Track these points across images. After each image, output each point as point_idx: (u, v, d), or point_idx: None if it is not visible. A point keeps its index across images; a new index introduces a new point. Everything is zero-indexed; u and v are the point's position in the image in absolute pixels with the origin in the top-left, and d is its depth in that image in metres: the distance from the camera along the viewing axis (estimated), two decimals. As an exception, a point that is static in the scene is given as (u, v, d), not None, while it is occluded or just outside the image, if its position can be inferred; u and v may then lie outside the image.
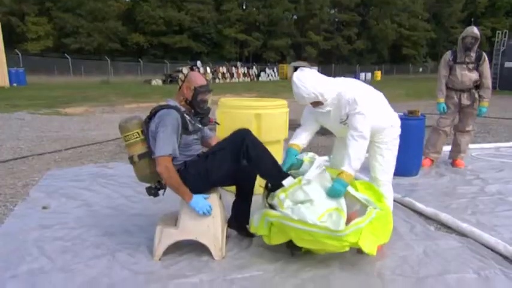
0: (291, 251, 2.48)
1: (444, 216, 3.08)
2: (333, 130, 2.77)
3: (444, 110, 4.65)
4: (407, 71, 49.01)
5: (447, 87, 4.63)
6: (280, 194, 2.38)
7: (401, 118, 4.23)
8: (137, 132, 2.43)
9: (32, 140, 6.46)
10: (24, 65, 23.67)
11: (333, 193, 2.35)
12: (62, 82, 24.01)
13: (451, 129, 4.87)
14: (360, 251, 2.62)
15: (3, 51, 18.87)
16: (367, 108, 2.42)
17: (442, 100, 4.63)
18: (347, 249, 2.26)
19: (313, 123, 2.76)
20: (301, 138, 2.74)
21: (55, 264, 2.38)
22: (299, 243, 2.32)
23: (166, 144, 2.30)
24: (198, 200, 2.38)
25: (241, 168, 2.46)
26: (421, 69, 52.37)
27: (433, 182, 4.23)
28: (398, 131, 2.74)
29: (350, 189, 2.42)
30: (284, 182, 2.40)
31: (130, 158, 2.46)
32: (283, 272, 2.33)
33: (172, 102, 2.51)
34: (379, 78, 38.04)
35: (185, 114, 2.48)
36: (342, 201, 2.35)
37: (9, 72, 19.45)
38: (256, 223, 2.47)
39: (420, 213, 3.28)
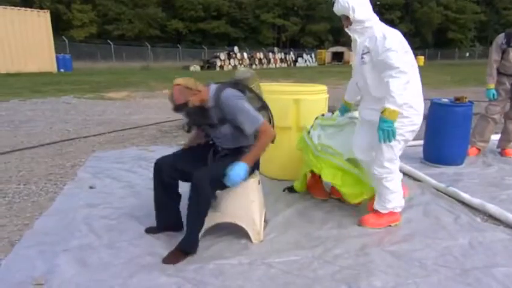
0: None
1: (491, 207, 2.93)
2: (359, 82, 2.66)
3: (494, 97, 4.39)
4: (452, 56, 46.57)
5: (498, 73, 4.37)
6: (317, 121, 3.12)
7: (447, 105, 4.13)
8: None
9: (78, 123, 6.76)
10: (71, 51, 24.66)
11: (380, 133, 2.32)
12: (105, 68, 24.88)
13: (501, 116, 4.61)
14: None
15: (51, 38, 19.77)
16: (399, 47, 2.37)
17: (492, 86, 4.37)
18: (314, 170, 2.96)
19: None
20: (352, 94, 2.96)
21: (102, 240, 2.51)
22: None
23: None
24: (240, 168, 2.24)
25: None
26: (468, 54, 49.60)
27: (480, 172, 4.04)
28: (410, 127, 2.49)
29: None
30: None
31: None
32: (321, 258, 2.32)
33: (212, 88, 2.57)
34: (422, 63, 36.20)
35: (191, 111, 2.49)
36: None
37: (56, 59, 20.43)
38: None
39: (465, 204, 3.14)
